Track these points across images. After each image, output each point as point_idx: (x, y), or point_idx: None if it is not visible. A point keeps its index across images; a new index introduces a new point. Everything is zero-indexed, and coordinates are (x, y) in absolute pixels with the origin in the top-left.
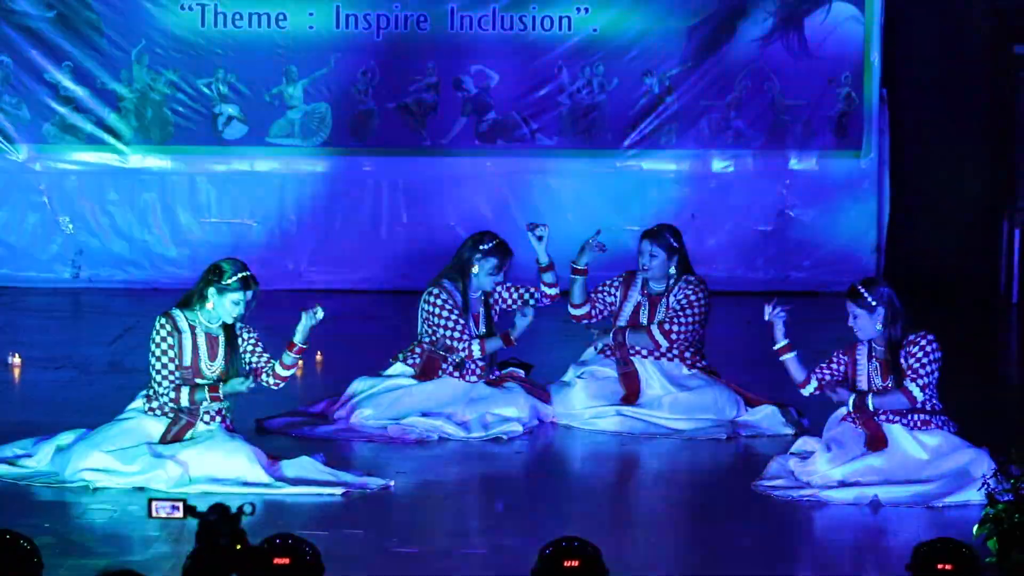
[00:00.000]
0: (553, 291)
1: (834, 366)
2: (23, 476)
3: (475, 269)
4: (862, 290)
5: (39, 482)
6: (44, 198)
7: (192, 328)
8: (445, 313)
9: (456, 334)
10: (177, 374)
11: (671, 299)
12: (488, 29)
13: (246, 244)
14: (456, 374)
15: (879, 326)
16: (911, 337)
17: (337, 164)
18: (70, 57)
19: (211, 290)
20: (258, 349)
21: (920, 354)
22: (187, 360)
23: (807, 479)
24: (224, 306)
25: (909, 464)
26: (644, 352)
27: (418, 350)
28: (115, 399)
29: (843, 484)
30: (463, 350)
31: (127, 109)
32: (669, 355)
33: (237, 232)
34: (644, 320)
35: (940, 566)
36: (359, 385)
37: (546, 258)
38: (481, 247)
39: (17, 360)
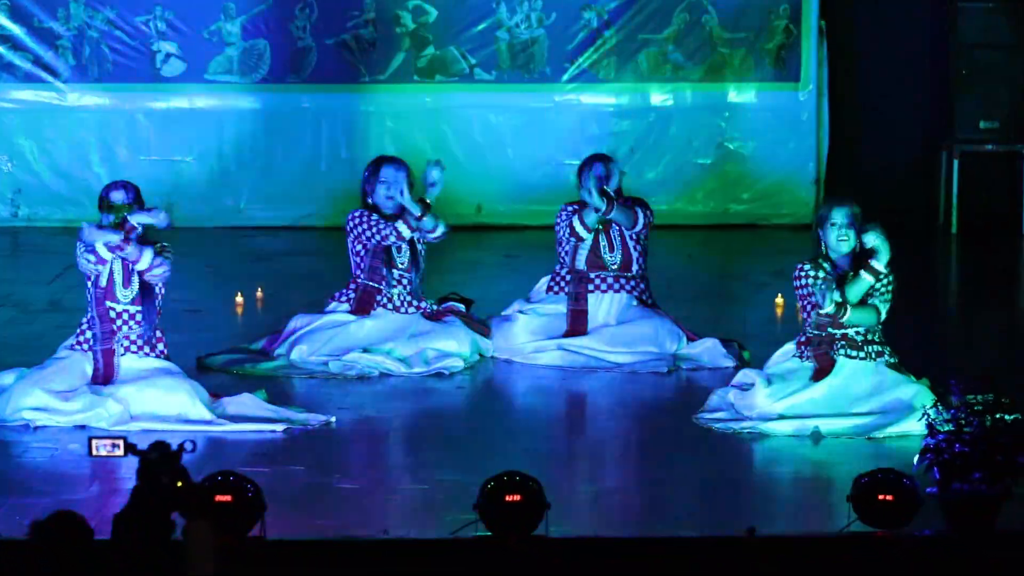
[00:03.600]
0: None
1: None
2: None
3: (370, 200)
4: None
5: None
6: None
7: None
8: (363, 222)
9: (377, 228)
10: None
11: (628, 203)
12: None
13: (185, 181)
14: (390, 306)
15: (859, 242)
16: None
17: (276, 100)
18: None
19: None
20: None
21: (885, 280)
22: (103, 282)
23: (747, 412)
24: (104, 218)
25: (850, 396)
26: (604, 287)
27: (352, 286)
28: (55, 338)
29: (783, 417)
30: (390, 235)
31: (64, 47)
32: (628, 286)
33: (176, 169)
34: (604, 250)
35: (881, 496)
36: (298, 321)
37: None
38: (364, 175)
39: None
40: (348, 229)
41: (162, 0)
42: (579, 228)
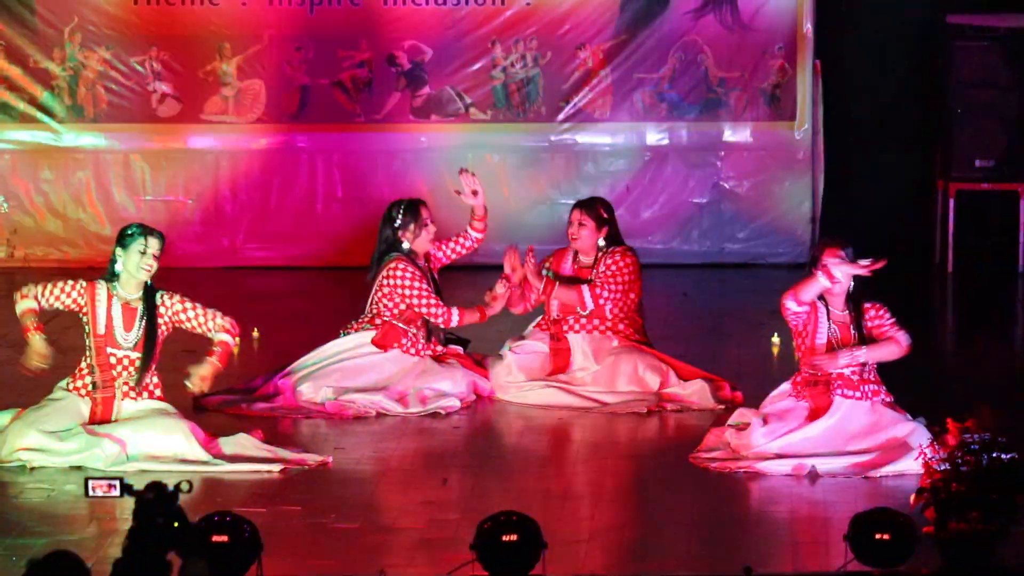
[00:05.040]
0: (479, 234)
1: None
2: None
3: (405, 244)
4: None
5: None
6: None
7: (110, 297)
8: (416, 284)
9: (431, 302)
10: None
11: (600, 268)
12: (421, 3)
13: (181, 221)
14: (412, 350)
15: (851, 282)
16: (866, 304)
17: (272, 141)
18: (2, 36)
19: (117, 250)
20: (190, 311)
21: (886, 317)
22: (100, 329)
23: (743, 451)
24: (131, 260)
25: (846, 435)
26: (577, 327)
27: (378, 321)
28: (51, 378)
29: (779, 456)
30: (440, 316)
31: (60, 87)
32: (602, 327)
33: (172, 210)
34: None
35: (878, 536)
36: (304, 360)
37: (483, 210)
38: (396, 223)
39: None
40: (389, 279)
41: (157, 41)
42: (534, 281)
